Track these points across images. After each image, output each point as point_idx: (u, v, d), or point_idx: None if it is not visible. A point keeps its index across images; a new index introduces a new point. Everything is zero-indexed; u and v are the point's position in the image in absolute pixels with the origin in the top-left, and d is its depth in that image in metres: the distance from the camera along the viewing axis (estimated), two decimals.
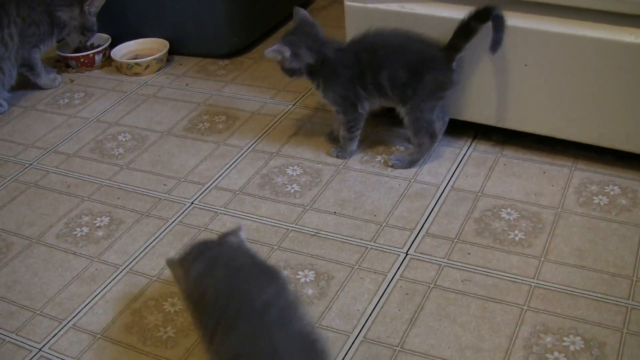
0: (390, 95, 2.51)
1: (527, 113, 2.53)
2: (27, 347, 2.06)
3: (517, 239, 2.25)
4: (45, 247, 2.42)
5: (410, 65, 2.46)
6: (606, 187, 2.43)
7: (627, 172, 2.48)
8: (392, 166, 2.58)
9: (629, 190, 2.41)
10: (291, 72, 2.56)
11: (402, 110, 2.52)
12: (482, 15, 2.34)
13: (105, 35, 3.63)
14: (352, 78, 2.53)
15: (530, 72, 2.46)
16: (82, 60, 3.54)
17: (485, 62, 2.50)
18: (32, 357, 2.03)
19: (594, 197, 2.39)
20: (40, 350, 2.04)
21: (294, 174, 2.61)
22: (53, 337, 2.08)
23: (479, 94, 2.57)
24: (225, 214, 2.46)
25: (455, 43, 2.43)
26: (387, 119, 2.78)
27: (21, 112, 3.25)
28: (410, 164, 2.57)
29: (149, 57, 3.44)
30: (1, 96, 3.26)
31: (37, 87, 3.42)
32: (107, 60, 3.59)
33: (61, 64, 3.62)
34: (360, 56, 2.52)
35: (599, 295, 2.04)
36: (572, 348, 1.89)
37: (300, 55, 2.51)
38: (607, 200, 2.37)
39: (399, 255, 2.22)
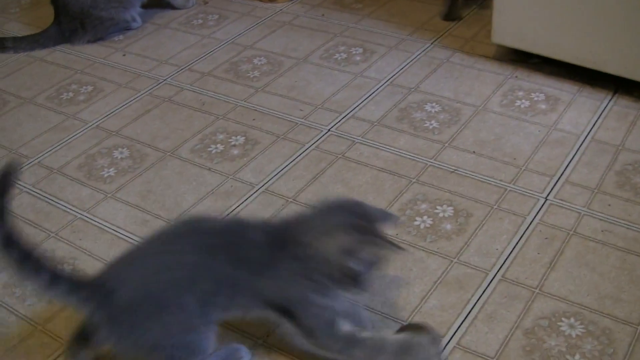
0: None
1: None
2: None
3: None
4: (179, 161, 2.44)
5: None
6: None
7: None
8: None
9: None
10: None
11: None
12: None
13: None
14: None
15: None
16: None
17: (635, 13, 2.44)
18: None
19: None
20: None
21: (433, 110, 2.59)
22: None
23: (623, 46, 2.51)
24: (362, 143, 2.46)
25: None
26: (528, 64, 2.76)
27: (154, 30, 3.28)
28: None
29: None
30: (135, 11, 3.28)
31: (170, 6, 3.44)
32: None
33: None
34: None
35: None
36: None
37: None
38: None
39: (538, 199, 2.20)
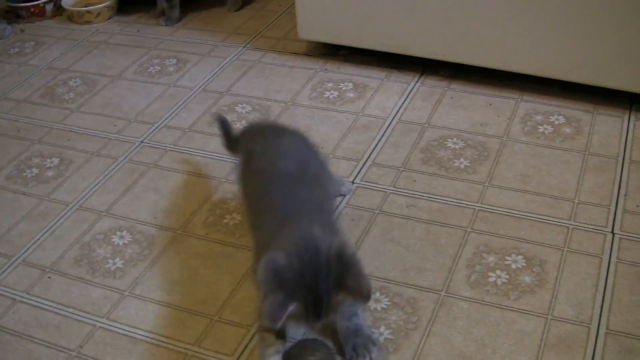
0: None
1: (475, 46, 2.55)
2: None
3: (462, 166, 2.28)
4: None
5: None
6: (551, 117, 2.46)
7: (572, 102, 2.52)
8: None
9: (573, 119, 2.44)
10: None
11: None
12: None
13: None
14: None
15: (476, 4, 2.47)
16: (32, 10, 3.52)
17: None
18: None
19: (539, 127, 2.42)
20: None
21: (243, 111, 2.63)
22: (2, 272, 2.08)
23: (426, 28, 2.58)
24: (174, 150, 2.47)
25: None
26: (337, 57, 2.81)
27: None
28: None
29: (100, 4, 3.42)
30: None
31: None
32: (58, 10, 3.57)
33: (11, 15, 3.58)
34: None
35: (542, 217, 2.07)
36: (513, 266, 1.93)
37: None
38: (552, 129, 2.41)
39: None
